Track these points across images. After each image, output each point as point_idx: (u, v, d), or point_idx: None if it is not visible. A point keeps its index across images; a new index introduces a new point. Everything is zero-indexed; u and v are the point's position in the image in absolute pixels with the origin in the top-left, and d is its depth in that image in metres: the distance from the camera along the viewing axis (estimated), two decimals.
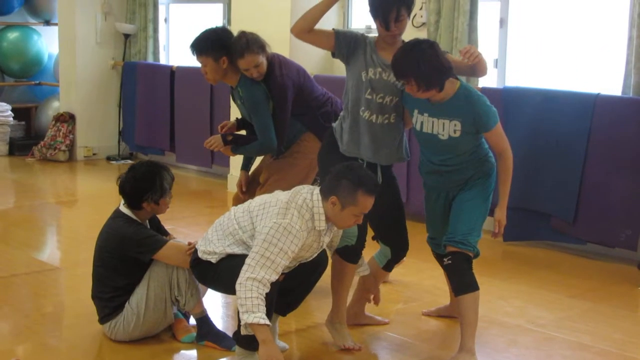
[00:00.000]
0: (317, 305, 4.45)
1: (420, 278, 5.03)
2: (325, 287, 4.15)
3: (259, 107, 4.46)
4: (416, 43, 3.68)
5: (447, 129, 3.73)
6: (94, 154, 9.36)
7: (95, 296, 3.98)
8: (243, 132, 4.72)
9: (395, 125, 3.91)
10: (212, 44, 4.42)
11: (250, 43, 4.35)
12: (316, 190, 3.58)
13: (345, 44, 3.87)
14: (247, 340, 3.57)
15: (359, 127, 3.90)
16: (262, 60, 4.40)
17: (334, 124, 4.08)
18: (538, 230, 5.82)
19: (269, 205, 3.56)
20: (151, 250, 3.86)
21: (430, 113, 3.76)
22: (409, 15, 3.80)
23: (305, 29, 3.84)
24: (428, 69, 3.57)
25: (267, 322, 3.36)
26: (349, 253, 3.94)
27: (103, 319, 3.96)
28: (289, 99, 4.48)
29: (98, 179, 8.45)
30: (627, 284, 5.08)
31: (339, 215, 3.53)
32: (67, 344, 4.04)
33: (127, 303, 3.89)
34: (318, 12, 3.82)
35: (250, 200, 3.72)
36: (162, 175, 3.96)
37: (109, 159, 9.27)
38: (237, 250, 3.57)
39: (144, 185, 3.91)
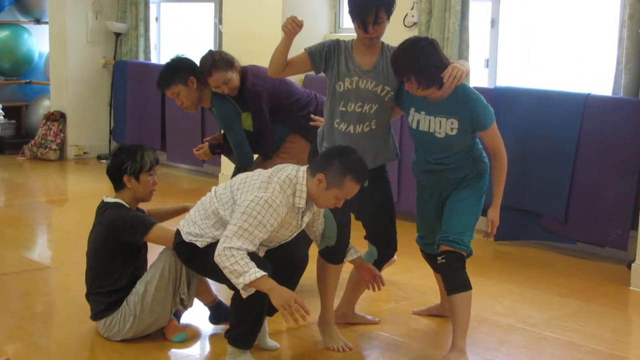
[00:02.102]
0: (309, 305, 4.44)
1: (410, 277, 5.03)
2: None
3: (231, 124, 4.58)
4: (416, 40, 3.67)
5: (443, 127, 3.73)
6: (84, 153, 9.34)
7: (91, 292, 3.95)
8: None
9: (376, 131, 3.86)
10: (175, 71, 4.59)
11: (217, 61, 4.45)
12: (303, 168, 3.57)
13: (320, 59, 3.80)
14: (239, 339, 3.59)
15: (334, 139, 3.85)
16: (231, 76, 4.48)
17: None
18: (529, 229, 5.84)
19: (251, 179, 3.56)
20: (142, 230, 3.84)
21: (427, 111, 3.76)
22: (388, 17, 3.73)
23: (278, 70, 3.83)
24: (428, 66, 3.58)
25: (264, 272, 3.34)
26: (331, 254, 3.91)
27: (97, 315, 3.94)
28: (264, 107, 4.54)
29: (89, 178, 8.43)
30: (617, 284, 5.09)
31: (322, 194, 3.51)
32: (57, 344, 4.03)
33: (124, 302, 3.88)
34: (281, 53, 3.78)
35: (231, 180, 3.70)
36: (144, 150, 4.01)
37: (99, 157, 9.25)
38: (218, 233, 3.53)
39: (124, 156, 3.96)
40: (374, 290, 4.03)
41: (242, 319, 3.55)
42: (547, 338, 4.18)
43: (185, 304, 3.97)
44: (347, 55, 3.80)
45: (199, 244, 3.58)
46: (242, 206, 3.43)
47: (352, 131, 3.82)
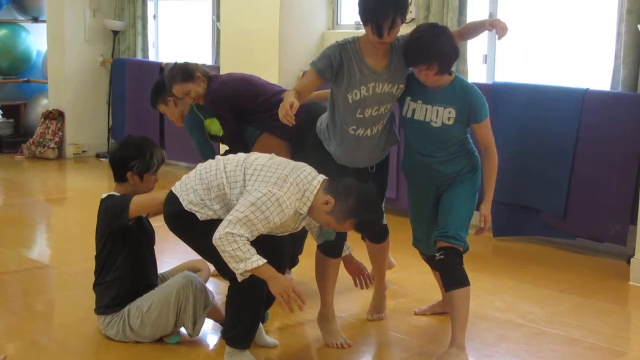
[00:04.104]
0: (308, 302, 4.44)
1: (409, 274, 5.03)
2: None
3: (191, 132, 4.82)
4: (431, 27, 3.72)
5: (440, 116, 3.72)
6: (83, 152, 9.33)
7: (97, 284, 3.93)
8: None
9: (385, 123, 3.87)
10: (155, 93, 4.90)
11: (175, 75, 4.66)
12: (320, 177, 3.52)
13: (330, 74, 3.69)
14: (237, 339, 3.58)
15: (349, 142, 3.82)
16: (190, 87, 4.65)
17: (320, 122, 3.99)
18: (528, 225, 5.83)
19: (268, 169, 3.48)
20: (124, 209, 3.79)
21: (424, 100, 3.75)
22: (402, 22, 3.64)
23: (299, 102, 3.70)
24: (450, 50, 3.62)
25: (265, 260, 3.33)
26: (330, 248, 3.91)
27: (99, 310, 3.92)
28: (223, 111, 4.64)
29: (88, 176, 8.42)
30: (616, 279, 5.09)
31: (320, 213, 3.49)
32: (57, 343, 4.03)
33: (127, 308, 3.85)
34: None
35: (245, 156, 3.61)
36: (154, 149, 3.98)
37: (98, 156, 9.24)
38: (217, 207, 3.48)
39: (133, 152, 3.91)
40: (361, 287, 4.04)
41: (239, 319, 3.54)
42: (547, 333, 4.18)
43: (190, 335, 3.92)
44: (357, 59, 3.70)
45: (199, 216, 3.51)
46: (252, 196, 3.37)
47: (369, 134, 3.81)
